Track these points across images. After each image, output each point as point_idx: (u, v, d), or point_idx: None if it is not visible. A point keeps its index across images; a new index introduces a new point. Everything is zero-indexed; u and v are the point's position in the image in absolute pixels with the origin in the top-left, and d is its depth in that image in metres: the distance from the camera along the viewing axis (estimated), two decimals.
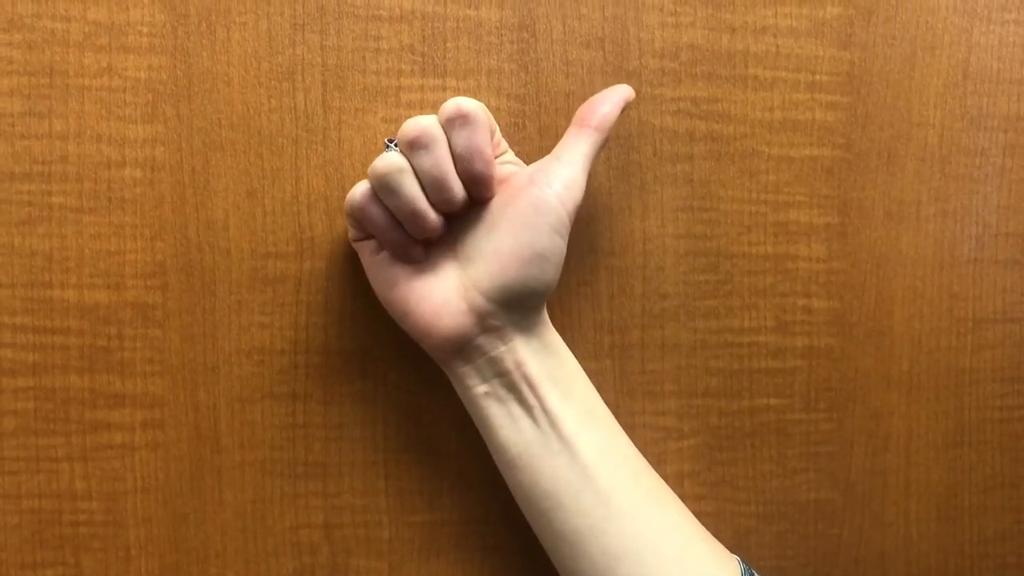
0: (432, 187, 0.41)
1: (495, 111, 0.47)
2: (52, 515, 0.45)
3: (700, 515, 0.49)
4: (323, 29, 0.45)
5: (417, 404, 0.47)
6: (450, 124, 0.41)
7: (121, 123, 0.44)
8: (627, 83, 0.48)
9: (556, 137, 0.47)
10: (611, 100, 0.44)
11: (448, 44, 0.46)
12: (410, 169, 0.41)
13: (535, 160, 0.47)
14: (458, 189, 0.42)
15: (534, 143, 0.47)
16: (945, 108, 0.51)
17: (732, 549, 0.50)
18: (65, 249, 0.44)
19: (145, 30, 0.44)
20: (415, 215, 0.41)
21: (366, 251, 0.43)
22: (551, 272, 0.42)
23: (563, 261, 0.43)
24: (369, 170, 0.41)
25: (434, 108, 0.46)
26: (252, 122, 0.45)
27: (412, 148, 0.40)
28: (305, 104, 0.45)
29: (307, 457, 0.47)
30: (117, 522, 0.45)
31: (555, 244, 0.42)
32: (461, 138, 0.41)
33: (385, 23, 0.46)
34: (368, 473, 0.47)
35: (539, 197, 0.42)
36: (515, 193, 0.42)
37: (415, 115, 0.46)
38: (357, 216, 0.42)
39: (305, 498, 0.47)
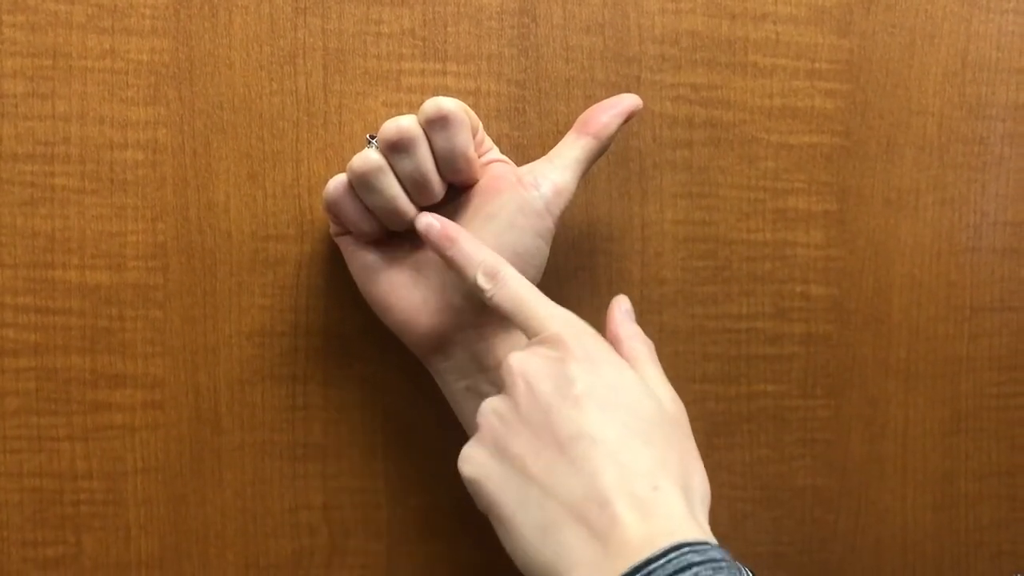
0: (413, 188, 0.41)
1: (495, 96, 0.47)
2: (53, 494, 0.45)
3: None
4: (324, 13, 0.45)
5: (417, 387, 0.47)
6: (430, 125, 0.40)
7: (123, 105, 0.44)
8: (627, 69, 0.48)
9: (556, 122, 0.48)
10: (614, 109, 0.43)
11: (449, 28, 0.46)
12: (388, 168, 0.40)
13: (532, 145, 0.47)
14: (439, 188, 0.42)
15: (534, 128, 0.48)
16: (944, 97, 0.52)
17: (728, 534, 0.51)
18: (67, 230, 0.44)
19: (148, 13, 0.44)
20: (394, 212, 0.41)
21: (347, 245, 0.43)
22: (531, 274, 0.42)
23: (544, 264, 0.43)
24: (348, 167, 0.41)
25: (435, 92, 0.47)
26: (253, 105, 0.45)
27: (392, 151, 0.40)
28: (306, 88, 0.46)
29: (306, 439, 0.47)
30: (117, 502, 0.45)
31: (537, 248, 0.42)
32: (442, 139, 0.40)
33: (386, 7, 0.46)
34: (367, 455, 0.47)
35: (525, 199, 0.42)
36: (501, 192, 0.42)
37: (416, 99, 0.46)
38: (332, 210, 0.42)
39: (304, 480, 0.47)
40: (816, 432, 0.51)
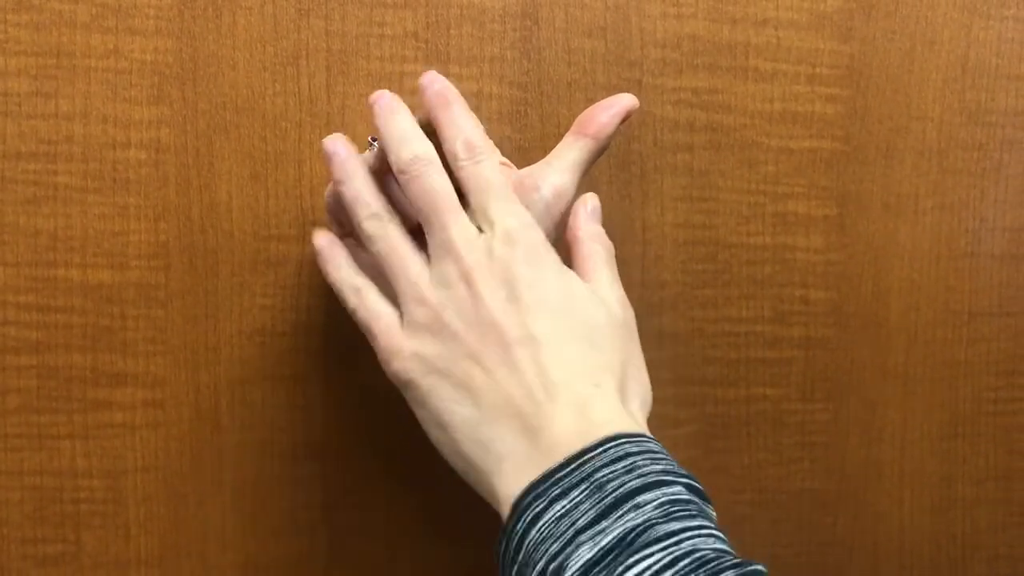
0: None
1: (497, 98, 0.47)
2: (53, 492, 0.45)
3: None
4: (328, 15, 0.46)
5: None
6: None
7: (127, 105, 0.44)
8: (628, 73, 0.48)
9: (557, 125, 0.48)
10: (611, 110, 0.43)
11: (451, 31, 0.47)
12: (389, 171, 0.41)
13: (534, 148, 0.48)
14: None
15: (536, 131, 0.48)
16: (944, 103, 0.52)
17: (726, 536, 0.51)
18: (70, 229, 0.44)
19: (152, 13, 0.44)
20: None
21: (349, 248, 0.43)
22: None
23: None
24: None
25: None
26: (256, 106, 0.45)
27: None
28: (309, 89, 0.46)
29: (307, 439, 0.47)
30: (117, 500, 0.46)
31: None
32: None
33: (389, 9, 0.46)
34: (367, 456, 0.48)
35: (525, 202, 0.41)
36: None
37: (418, 102, 0.46)
38: (333, 211, 0.42)
39: (304, 480, 0.47)
40: (814, 435, 0.52)
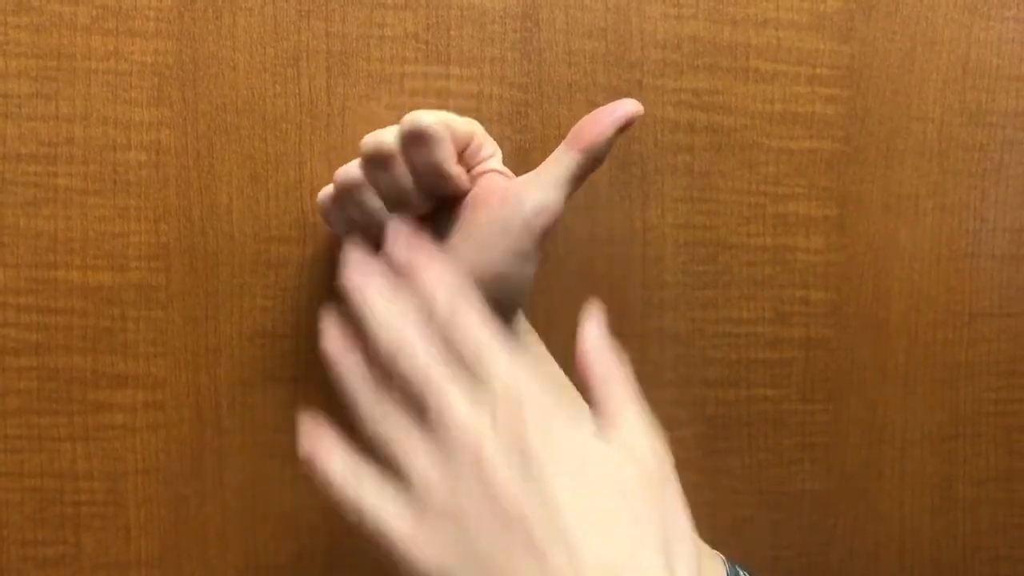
0: (390, 202, 0.40)
1: (497, 99, 0.47)
2: (54, 494, 0.45)
3: (696, 504, 0.50)
4: (328, 16, 0.46)
5: None
6: (407, 140, 0.39)
7: (127, 106, 0.44)
8: (629, 74, 0.48)
9: (558, 126, 0.48)
10: (612, 115, 0.40)
11: (452, 32, 0.47)
12: (368, 183, 0.40)
13: (534, 148, 0.48)
14: (418, 202, 0.41)
15: (536, 131, 0.48)
16: (944, 103, 0.52)
17: (727, 538, 0.51)
18: (70, 230, 0.44)
19: (152, 14, 0.44)
20: (378, 225, 0.41)
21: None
22: (513, 291, 0.41)
23: (527, 285, 0.41)
24: (333, 179, 0.41)
25: (437, 96, 0.47)
26: (257, 107, 0.45)
27: (369, 166, 0.40)
28: (309, 90, 0.46)
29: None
30: (118, 502, 0.45)
31: (518, 266, 0.40)
32: (420, 156, 0.39)
33: (389, 11, 0.46)
34: (367, 457, 0.47)
35: (506, 218, 0.40)
36: (482, 208, 0.41)
37: (419, 103, 0.47)
38: (326, 213, 0.43)
39: (305, 481, 0.47)
40: (815, 436, 0.52)
